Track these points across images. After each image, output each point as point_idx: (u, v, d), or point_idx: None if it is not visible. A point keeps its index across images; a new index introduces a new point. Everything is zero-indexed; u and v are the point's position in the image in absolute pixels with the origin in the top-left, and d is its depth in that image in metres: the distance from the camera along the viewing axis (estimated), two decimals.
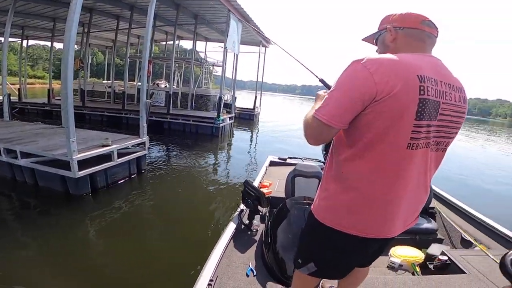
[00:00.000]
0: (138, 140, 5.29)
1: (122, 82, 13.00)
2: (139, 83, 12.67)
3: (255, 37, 13.78)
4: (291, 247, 1.23)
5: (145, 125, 5.40)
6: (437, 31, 0.96)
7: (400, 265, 2.02)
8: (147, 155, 5.67)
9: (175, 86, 13.85)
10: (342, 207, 0.94)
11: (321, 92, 1.10)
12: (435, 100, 0.85)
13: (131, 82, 14.46)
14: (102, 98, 14.22)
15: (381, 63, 0.82)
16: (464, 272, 1.76)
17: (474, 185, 7.38)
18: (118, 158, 4.67)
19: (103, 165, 4.39)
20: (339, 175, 0.95)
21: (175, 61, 12.55)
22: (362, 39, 1.09)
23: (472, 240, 2.22)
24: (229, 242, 1.97)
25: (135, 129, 5.70)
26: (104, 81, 17.75)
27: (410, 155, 0.86)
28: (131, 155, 5.04)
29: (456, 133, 0.97)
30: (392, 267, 2.03)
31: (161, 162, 6.69)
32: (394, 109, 0.81)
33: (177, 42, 15.02)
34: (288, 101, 54.97)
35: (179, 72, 14.58)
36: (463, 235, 2.33)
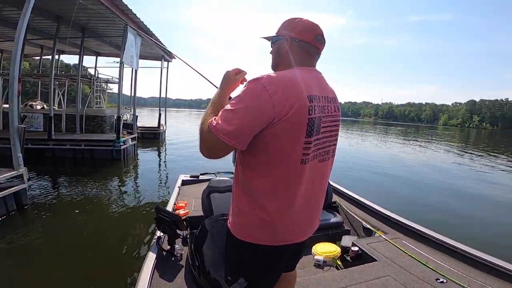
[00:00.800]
0: (12, 173, 4.39)
1: None
2: (5, 106, 10.15)
3: (156, 51, 13.05)
4: (221, 265, 1.18)
5: (19, 154, 4.47)
6: (324, 45, 1.04)
7: (324, 262, 2.20)
8: (28, 189, 4.78)
9: (56, 107, 11.75)
10: (255, 221, 0.97)
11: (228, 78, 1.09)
12: (319, 116, 0.94)
13: None
14: None
15: (279, 85, 0.86)
16: (375, 260, 2.01)
17: (357, 174, 8.88)
18: None
19: None
20: (246, 191, 0.98)
21: (55, 78, 10.65)
22: (261, 37, 1.12)
23: (371, 228, 2.57)
24: (153, 273, 1.78)
25: (4, 161, 4.69)
26: None
27: (304, 169, 0.94)
28: (5, 191, 4.21)
29: (336, 139, 1.10)
30: (318, 265, 2.19)
31: (50, 194, 5.58)
32: (289, 131, 0.87)
33: (56, 57, 12.81)
34: (195, 116, 54.31)
35: (61, 91, 12.36)
36: (363, 224, 2.68)
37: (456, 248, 2.05)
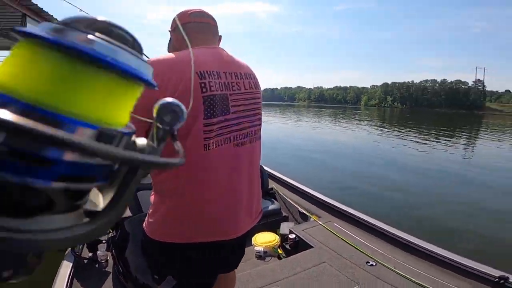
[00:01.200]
0: None
1: None
2: None
3: None
4: (148, 268, 1.06)
5: None
6: (213, 21, 0.98)
7: (265, 252, 2.18)
8: None
9: None
10: (166, 219, 0.91)
11: None
12: (222, 94, 0.86)
13: None
14: None
15: (158, 68, 0.77)
16: (311, 246, 2.06)
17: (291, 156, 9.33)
18: None
19: None
20: (155, 187, 0.94)
21: None
22: (168, 51, 1.05)
23: (306, 213, 2.65)
24: (71, 284, 1.59)
25: None
26: None
27: (209, 156, 0.85)
28: None
29: (259, 119, 1.01)
30: (260, 256, 2.17)
31: None
32: None
33: None
34: None
35: None
36: (299, 210, 2.74)
37: (382, 229, 2.20)
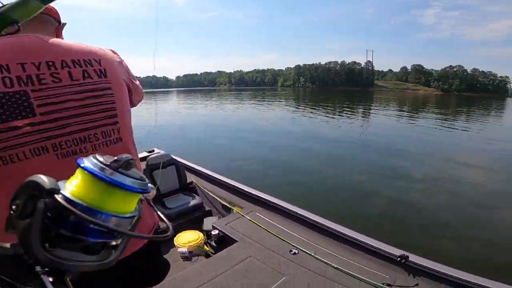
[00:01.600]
0: None
1: None
2: None
3: None
4: None
5: None
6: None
7: (190, 252, 2.07)
8: None
9: None
10: None
11: None
12: (12, 91, 0.67)
13: None
14: None
15: None
16: (236, 241, 2.01)
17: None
18: None
19: None
20: None
21: None
22: None
23: (228, 205, 2.58)
24: None
25: None
26: None
27: (15, 171, 0.68)
28: None
29: (110, 116, 0.81)
30: (186, 257, 2.05)
31: None
32: None
33: None
34: None
35: None
36: (221, 202, 2.65)
37: (301, 215, 2.23)
